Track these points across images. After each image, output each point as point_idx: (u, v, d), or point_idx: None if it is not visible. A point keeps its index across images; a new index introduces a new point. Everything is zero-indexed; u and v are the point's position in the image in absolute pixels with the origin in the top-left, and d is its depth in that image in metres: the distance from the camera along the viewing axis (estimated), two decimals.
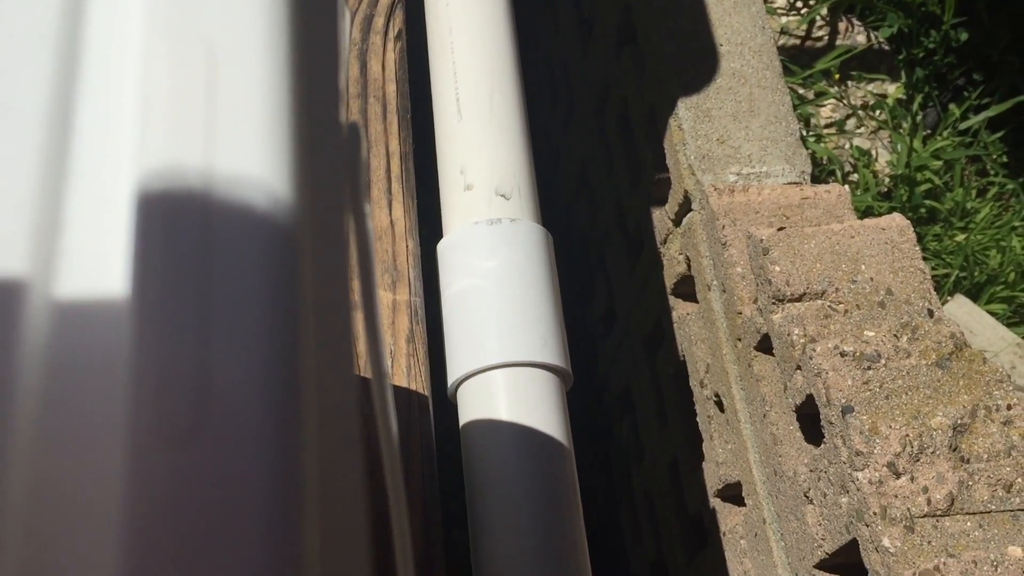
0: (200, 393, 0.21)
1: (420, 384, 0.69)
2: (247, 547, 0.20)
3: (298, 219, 0.23)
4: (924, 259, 1.69)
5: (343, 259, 0.25)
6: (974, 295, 1.69)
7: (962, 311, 1.65)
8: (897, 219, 0.88)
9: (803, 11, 1.79)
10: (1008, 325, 1.66)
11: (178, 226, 0.23)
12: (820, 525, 0.81)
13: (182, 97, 0.23)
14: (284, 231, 0.23)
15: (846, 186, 1.73)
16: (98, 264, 0.24)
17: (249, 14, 0.23)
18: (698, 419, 1.06)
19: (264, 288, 0.22)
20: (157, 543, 0.20)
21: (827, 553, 0.80)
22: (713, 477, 1.03)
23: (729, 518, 1.02)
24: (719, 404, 1.00)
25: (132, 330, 0.22)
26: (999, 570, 0.68)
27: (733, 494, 1.01)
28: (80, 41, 0.25)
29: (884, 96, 1.81)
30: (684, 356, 1.08)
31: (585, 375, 1.47)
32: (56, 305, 0.24)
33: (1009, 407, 0.75)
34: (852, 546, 0.76)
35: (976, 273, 1.69)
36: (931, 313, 0.82)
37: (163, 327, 0.22)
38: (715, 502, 1.05)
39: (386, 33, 0.79)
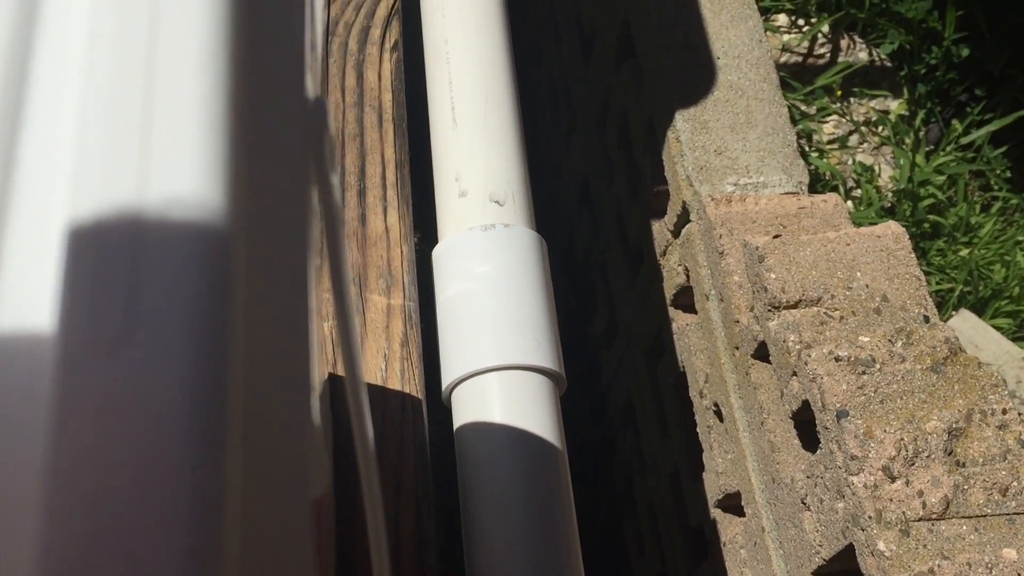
0: (122, 399, 0.22)
1: (414, 388, 0.69)
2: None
3: (231, 220, 0.23)
4: (927, 273, 1.69)
5: (301, 245, 0.25)
6: (979, 310, 1.69)
7: (967, 326, 1.64)
8: (892, 227, 0.89)
9: (804, 28, 1.80)
10: (1013, 339, 1.66)
11: (106, 243, 0.23)
12: (817, 531, 0.81)
13: (121, 92, 0.24)
14: (215, 238, 0.23)
15: (849, 201, 1.74)
16: (32, 293, 0.25)
17: None
18: (698, 429, 1.06)
19: (189, 289, 0.22)
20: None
21: (824, 559, 0.80)
22: (713, 487, 1.03)
23: (729, 528, 1.02)
24: (718, 414, 1.00)
25: (56, 344, 0.23)
26: (993, 572, 0.68)
27: (733, 504, 1.01)
28: (36, 13, 0.26)
29: (886, 112, 1.82)
30: (684, 367, 1.09)
31: (588, 387, 1.48)
32: None
33: (1004, 411, 0.76)
34: (849, 551, 0.76)
35: (981, 288, 1.69)
36: (926, 319, 0.83)
37: (86, 338, 0.22)
38: (716, 512, 1.05)
39: (382, 44, 0.81)
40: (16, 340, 0.25)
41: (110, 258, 0.23)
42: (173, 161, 0.24)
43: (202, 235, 0.23)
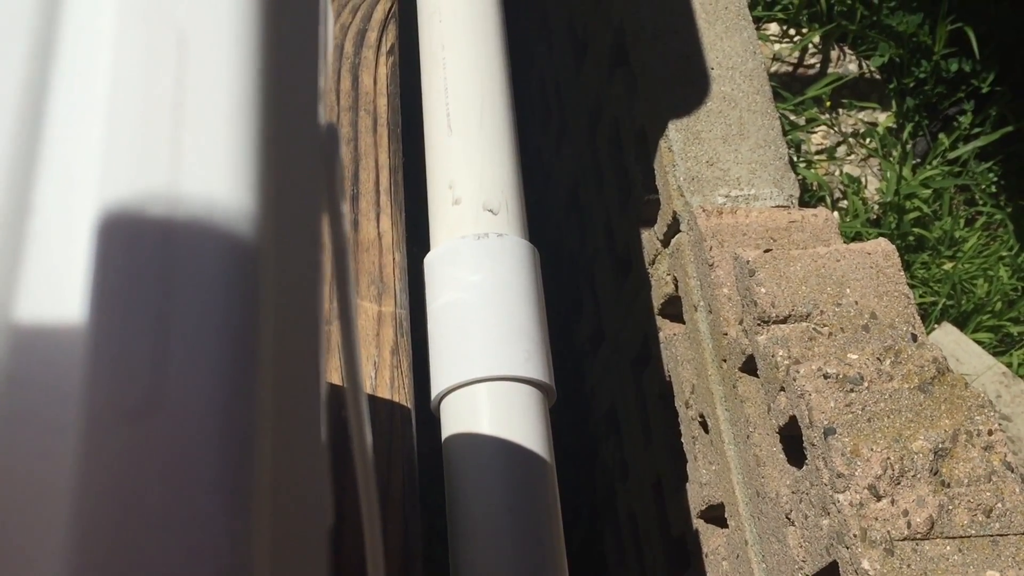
0: (153, 398, 0.21)
1: (403, 396, 0.69)
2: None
3: (261, 232, 0.23)
4: (910, 285, 1.70)
5: (315, 264, 0.25)
6: (961, 323, 1.70)
7: (949, 339, 1.65)
8: (882, 244, 0.89)
9: (796, 38, 1.80)
10: (994, 354, 1.67)
11: (137, 246, 0.23)
12: (801, 547, 0.81)
13: (149, 104, 0.23)
14: (245, 246, 0.23)
15: (835, 212, 1.75)
16: (59, 289, 0.24)
17: (222, 8, 0.23)
18: (683, 440, 1.06)
19: (221, 303, 0.22)
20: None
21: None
22: (697, 498, 1.03)
23: (712, 539, 1.02)
24: (704, 425, 1.00)
25: (86, 345, 0.22)
26: None
27: (716, 515, 1.01)
28: (55, 36, 0.25)
29: (875, 124, 1.82)
30: (670, 376, 1.08)
31: (572, 394, 1.47)
32: (15, 328, 0.24)
33: (990, 432, 0.76)
34: (832, 569, 0.76)
35: (963, 302, 1.70)
36: (914, 338, 0.83)
37: (118, 341, 0.22)
38: (698, 523, 1.05)
39: (378, 48, 0.80)
40: (44, 336, 0.24)
41: (141, 257, 0.23)
42: (205, 162, 0.24)
43: (233, 238, 0.23)
